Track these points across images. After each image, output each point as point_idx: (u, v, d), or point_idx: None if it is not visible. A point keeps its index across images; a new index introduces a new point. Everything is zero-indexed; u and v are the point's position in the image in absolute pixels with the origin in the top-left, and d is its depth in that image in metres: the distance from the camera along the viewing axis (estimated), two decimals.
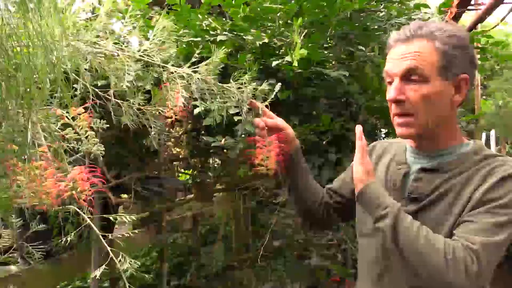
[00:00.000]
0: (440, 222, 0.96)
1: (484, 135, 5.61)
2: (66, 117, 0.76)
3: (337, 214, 1.24)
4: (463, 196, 0.95)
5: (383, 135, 2.21)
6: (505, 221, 0.90)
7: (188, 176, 3.76)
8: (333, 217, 1.25)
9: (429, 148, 1.04)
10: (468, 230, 0.90)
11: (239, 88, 1.06)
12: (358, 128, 1.03)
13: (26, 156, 0.60)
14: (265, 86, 1.12)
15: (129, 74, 0.88)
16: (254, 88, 1.09)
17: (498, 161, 0.97)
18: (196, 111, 1.26)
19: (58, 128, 0.75)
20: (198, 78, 0.98)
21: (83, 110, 0.79)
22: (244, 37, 1.56)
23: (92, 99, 0.87)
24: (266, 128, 1.12)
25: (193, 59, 1.06)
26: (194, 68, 1.01)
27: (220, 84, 1.04)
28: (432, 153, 1.03)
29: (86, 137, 0.75)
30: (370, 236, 1.09)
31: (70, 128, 0.76)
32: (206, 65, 1.01)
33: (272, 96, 1.14)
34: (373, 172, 1.01)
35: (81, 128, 0.76)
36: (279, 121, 1.17)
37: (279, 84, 1.20)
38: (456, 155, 1.01)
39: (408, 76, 0.97)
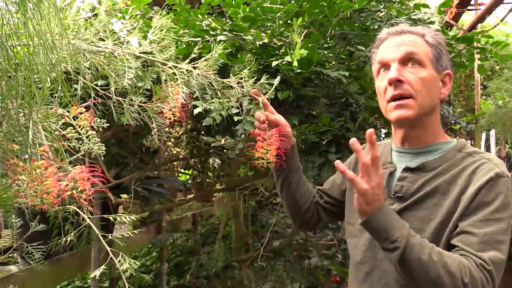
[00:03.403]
0: (425, 221, 0.97)
1: (484, 135, 5.61)
2: (67, 116, 0.76)
3: (327, 214, 1.25)
4: (450, 196, 0.95)
5: (383, 135, 2.22)
6: (503, 226, 0.90)
7: (188, 176, 3.76)
8: (322, 217, 1.26)
9: (414, 143, 1.05)
10: (473, 244, 0.89)
11: (238, 83, 1.06)
12: (370, 133, 0.90)
13: (27, 156, 0.60)
14: (264, 80, 1.12)
15: (129, 72, 0.88)
16: (254, 83, 1.09)
17: (483, 158, 0.98)
18: (196, 111, 1.26)
19: (59, 128, 0.75)
20: (198, 74, 0.98)
21: (84, 110, 0.79)
22: (244, 37, 1.56)
23: (93, 97, 0.87)
24: (267, 122, 1.12)
25: (193, 55, 1.06)
26: (194, 64, 1.01)
27: (220, 79, 1.04)
28: (416, 150, 1.05)
29: (87, 137, 0.75)
30: (357, 236, 1.10)
31: (71, 128, 0.76)
32: (205, 60, 1.01)
33: (272, 90, 1.14)
34: (381, 195, 0.91)
35: (82, 128, 0.76)
36: (280, 118, 1.17)
37: (278, 78, 1.20)
38: (439, 152, 1.02)
39: (406, 60, 1.01)
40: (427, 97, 1.00)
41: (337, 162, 0.92)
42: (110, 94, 0.93)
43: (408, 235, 0.88)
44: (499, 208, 0.91)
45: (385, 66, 1.04)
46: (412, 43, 1.02)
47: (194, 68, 1.00)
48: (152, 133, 1.01)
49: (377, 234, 0.91)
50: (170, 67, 0.97)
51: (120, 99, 0.95)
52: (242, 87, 1.06)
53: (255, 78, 1.09)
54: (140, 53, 0.94)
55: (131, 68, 0.88)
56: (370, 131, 0.90)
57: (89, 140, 0.74)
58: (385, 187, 1.05)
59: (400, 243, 0.87)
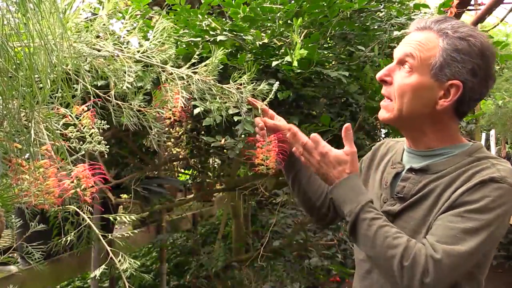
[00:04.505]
0: (421, 222, 0.95)
1: (484, 135, 5.61)
2: (70, 115, 0.76)
3: None
4: (444, 197, 0.93)
5: (383, 135, 2.22)
6: (475, 227, 0.86)
7: (188, 176, 3.76)
8: (339, 212, 1.24)
9: (420, 146, 1.03)
10: (436, 234, 0.88)
11: (238, 88, 1.07)
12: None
13: (29, 155, 0.60)
14: (264, 86, 1.12)
15: (129, 75, 0.88)
16: (253, 88, 1.09)
17: (488, 163, 0.94)
18: (196, 111, 1.26)
19: (60, 127, 0.75)
20: (197, 79, 0.98)
21: (87, 109, 0.79)
22: (244, 37, 1.57)
23: (93, 99, 0.87)
24: (266, 128, 1.12)
25: (193, 60, 1.06)
26: (194, 69, 1.01)
27: (219, 85, 1.04)
28: (424, 152, 1.03)
29: (90, 135, 0.75)
30: None
31: (73, 127, 0.76)
32: (205, 65, 1.02)
33: (271, 96, 1.15)
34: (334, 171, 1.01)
35: (85, 127, 0.76)
36: (279, 122, 1.17)
37: (277, 82, 1.20)
38: (447, 156, 0.99)
39: (403, 62, 0.98)
40: (408, 103, 0.96)
41: (294, 149, 1.08)
42: (110, 97, 0.93)
43: (360, 210, 0.93)
44: (479, 209, 0.87)
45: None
46: (417, 44, 0.95)
47: (194, 73, 1.00)
48: (151, 138, 1.01)
49: (338, 204, 0.99)
50: (171, 73, 0.97)
51: (119, 102, 0.95)
52: (242, 93, 1.06)
53: (254, 84, 1.09)
54: (141, 56, 0.94)
55: (131, 72, 0.88)
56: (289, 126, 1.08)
57: (92, 139, 0.75)
58: (389, 187, 1.05)
59: (349, 218, 0.94)
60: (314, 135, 1.02)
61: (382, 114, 1.03)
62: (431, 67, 0.94)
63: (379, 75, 1.01)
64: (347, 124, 1.02)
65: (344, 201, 0.96)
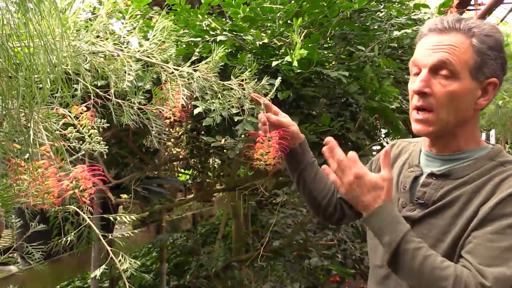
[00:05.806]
0: (444, 231, 0.92)
1: (484, 135, 5.62)
2: (69, 116, 0.76)
3: (352, 211, 1.20)
4: (471, 207, 0.90)
5: (383, 135, 2.22)
6: None
7: (188, 176, 3.76)
8: (347, 213, 1.21)
9: (443, 150, 0.99)
10: (477, 255, 0.85)
11: (239, 85, 1.07)
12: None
13: (28, 155, 0.60)
14: (265, 82, 1.12)
15: (129, 74, 0.88)
16: (254, 84, 1.09)
17: None
18: (196, 111, 1.26)
19: (60, 127, 0.75)
20: (198, 76, 0.98)
21: (86, 109, 0.79)
22: (244, 37, 1.56)
23: (93, 98, 0.87)
24: (269, 123, 1.11)
25: (193, 58, 1.06)
26: (194, 67, 1.01)
27: (221, 82, 1.04)
28: (446, 156, 0.99)
29: (90, 136, 0.75)
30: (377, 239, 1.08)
31: (72, 127, 0.76)
32: (206, 63, 1.02)
33: (273, 92, 1.14)
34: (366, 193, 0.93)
35: (84, 127, 0.76)
36: (284, 119, 1.16)
37: (279, 78, 1.20)
38: (469, 160, 0.96)
39: (437, 69, 0.91)
40: (453, 111, 0.92)
41: (324, 166, 0.99)
42: (110, 96, 0.93)
43: (402, 240, 0.87)
44: None
45: (418, 67, 0.96)
46: (450, 48, 0.90)
47: (195, 70, 1.00)
48: (152, 136, 1.01)
49: (376, 232, 0.93)
50: (172, 72, 0.97)
51: (119, 101, 0.95)
52: (244, 89, 1.06)
53: (256, 80, 1.09)
54: (141, 55, 0.94)
55: (131, 70, 0.88)
56: (328, 140, 0.98)
57: (91, 139, 0.75)
58: (408, 191, 1.01)
59: (388, 248, 0.88)
60: (353, 154, 0.94)
61: (422, 129, 0.95)
62: (470, 69, 0.91)
63: (417, 88, 0.93)
64: (387, 148, 0.96)
65: (382, 230, 0.90)
